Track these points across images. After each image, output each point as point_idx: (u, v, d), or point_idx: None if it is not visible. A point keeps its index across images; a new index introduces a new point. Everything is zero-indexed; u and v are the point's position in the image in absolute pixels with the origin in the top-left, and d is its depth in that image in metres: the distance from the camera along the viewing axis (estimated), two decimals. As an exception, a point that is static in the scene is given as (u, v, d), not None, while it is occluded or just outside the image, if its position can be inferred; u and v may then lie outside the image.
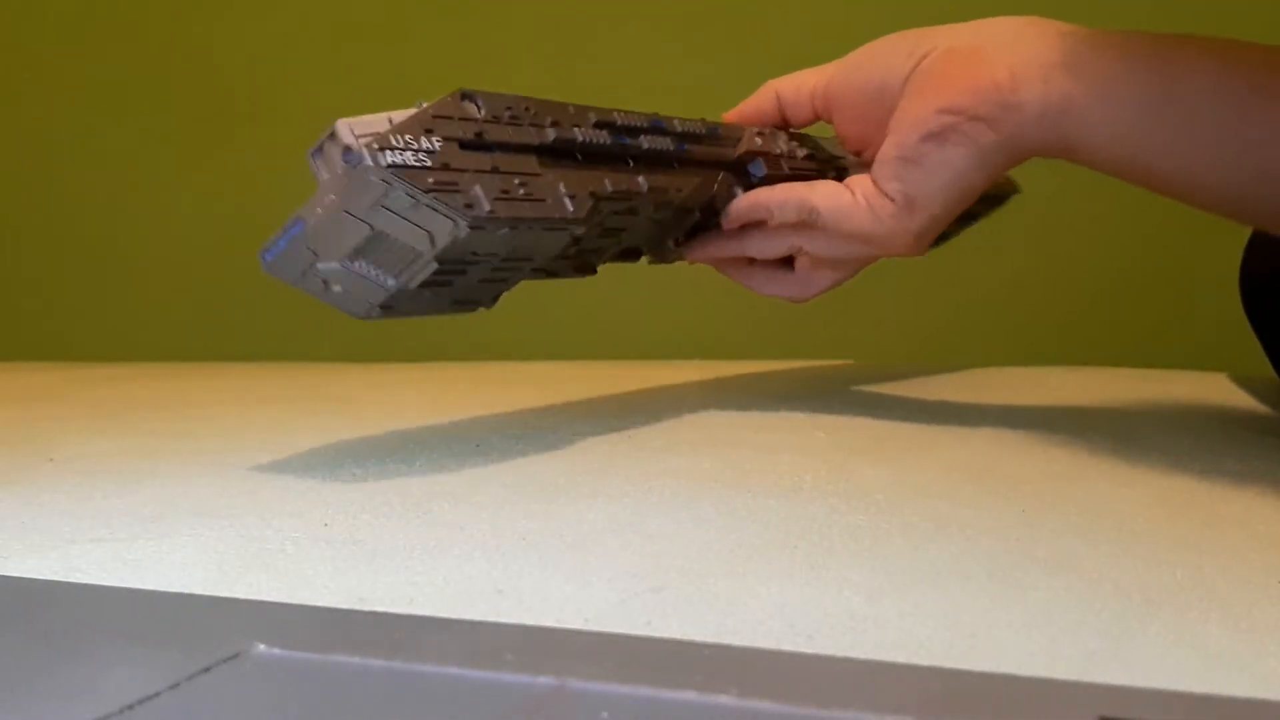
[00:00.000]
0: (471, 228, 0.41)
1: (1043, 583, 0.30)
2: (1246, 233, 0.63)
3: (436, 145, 0.41)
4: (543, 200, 0.44)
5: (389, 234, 0.40)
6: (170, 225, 1.29)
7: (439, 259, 0.41)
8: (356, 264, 0.41)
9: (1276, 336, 0.61)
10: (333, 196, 0.40)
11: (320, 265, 0.41)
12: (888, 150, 0.51)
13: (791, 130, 0.59)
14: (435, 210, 0.40)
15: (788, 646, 0.26)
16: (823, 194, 0.52)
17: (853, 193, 0.51)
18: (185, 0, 1.29)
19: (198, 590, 0.31)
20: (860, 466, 0.44)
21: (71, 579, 0.32)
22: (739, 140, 0.55)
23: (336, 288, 0.42)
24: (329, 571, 0.32)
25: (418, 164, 0.40)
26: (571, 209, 0.45)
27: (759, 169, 0.55)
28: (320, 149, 0.40)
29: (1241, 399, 0.62)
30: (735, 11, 1.12)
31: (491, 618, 0.28)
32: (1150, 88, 0.47)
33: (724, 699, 0.21)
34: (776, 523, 0.36)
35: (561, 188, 0.45)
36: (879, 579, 0.31)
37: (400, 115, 0.42)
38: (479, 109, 0.44)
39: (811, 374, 0.73)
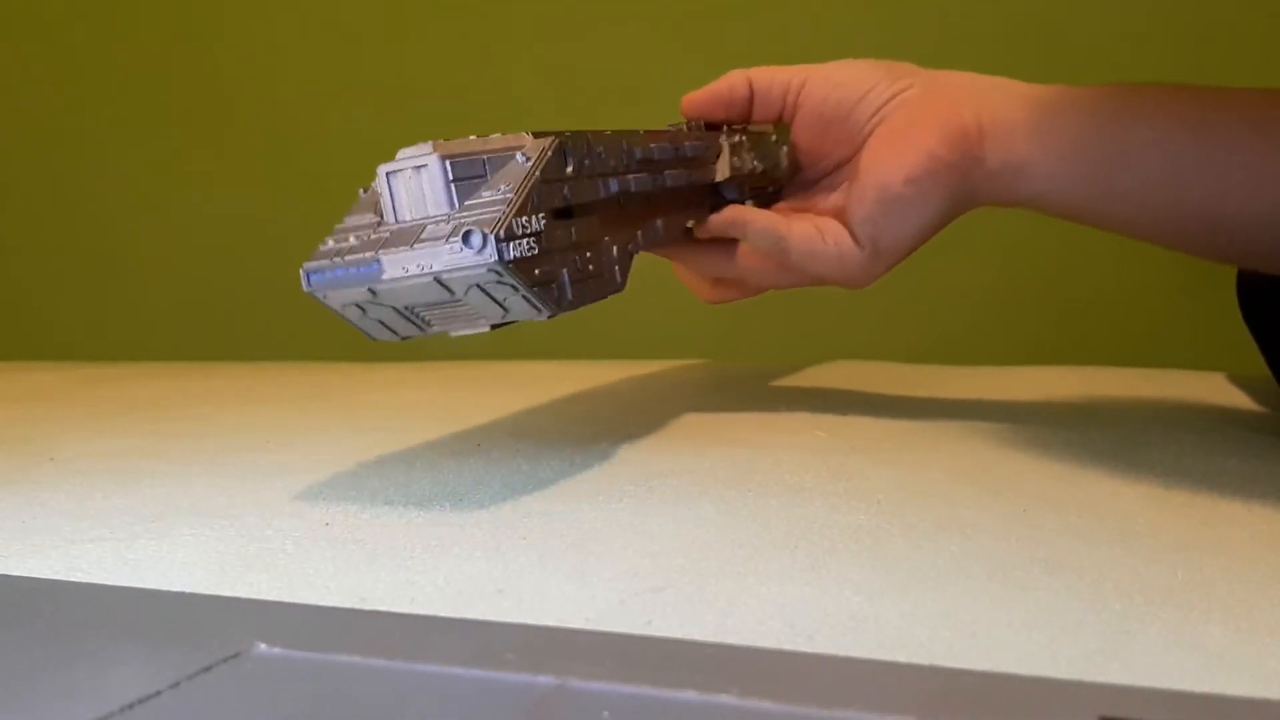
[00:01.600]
0: (549, 317, 0.39)
1: (1043, 582, 0.30)
2: None
3: (540, 225, 0.39)
4: (601, 275, 0.43)
5: (467, 303, 0.38)
6: (170, 225, 1.29)
7: (493, 326, 0.40)
8: (411, 311, 0.39)
9: (1273, 339, 0.61)
10: (426, 262, 0.37)
11: (374, 305, 0.39)
12: (866, 191, 0.50)
13: (748, 126, 0.57)
14: (529, 301, 0.38)
15: (788, 646, 0.26)
16: (798, 235, 0.52)
17: (824, 238, 0.51)
18: (185, 1, 1.29)
19: (198, 589, 0.31)
20: (861, 466, 0.44)
21: (72, 578, 0.32)
22: (717, 157, 0.54)
23: (372, 318, 0.40)
24: (330, 571, 0.32)
25: (529, 255, 0.38)
26: (619, 281, 0.44)
27: (731, 192, 0.55)
28: (399, 171, 0.38)
29: (1240, 399, 0.62)
30: (733, 12, 1.12)
31: (492, 617, 0.28)
32: (1102, 152, 0.48)
33: (724, 698, 0.21)
34: (777, 523, 0.36)
35: (614, 253, 0.44)
36: (880, 579, 0.31)
37: (492, 142, 0.39)
38: (568, 162, 0.42)
39: (811, 374, 0.73)
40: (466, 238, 0.36)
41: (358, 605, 0.29)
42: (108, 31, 1.30)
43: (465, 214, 0.37)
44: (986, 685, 0.23)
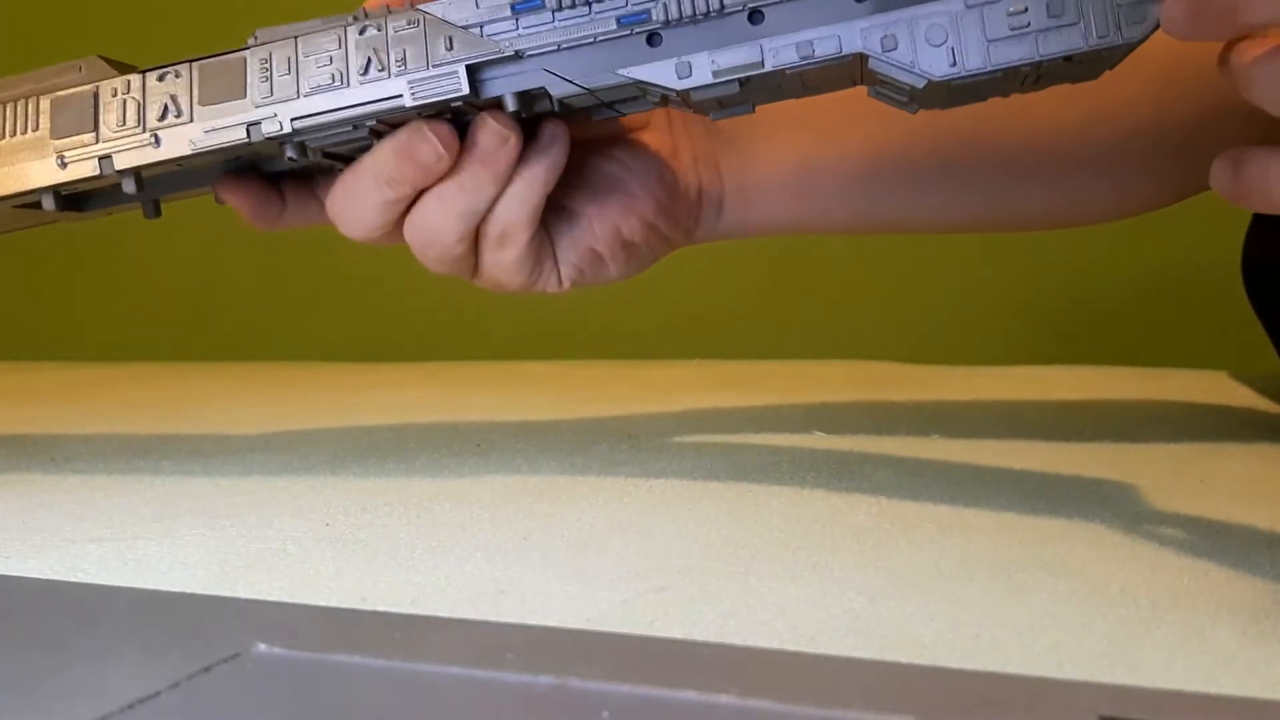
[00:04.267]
0: None
1: (1047, 585, 0.30)
2: (1244, 225, 0.63)
3: None
4: None
5: None
6: (170, 224, 1.29)
7: None
8: None
9: (1278, 318, 0.61)
10: None
11: None
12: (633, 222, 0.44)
13: None
14: None
15: (790, 647, 0.26)
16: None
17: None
18: (185, -1, 1.29)
19: (199, 590, 0.31)
20: (861, 466, 0.44)
21: (72, 578, 0.32)
22: None
23: None
24: (330, 571, 0.32)
25: None
26: None
27: None
28: None
29: (1241, 397, 0.62)
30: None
31: (493, 617, 0.28)
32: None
33: (725, 698, 0.21)
34: (778, 523, 0.36)
35: None
36: (881, 580, 0.31)
37: None
38: None
39: (811, 374, 0.73)
40: None
41: (358, 605, 0.29)
42: (106, 28, 1.30)
43: None
44: (987, 685, 0.23)
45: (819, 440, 0.49)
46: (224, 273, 1.27)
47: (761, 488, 0.41)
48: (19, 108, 0.41)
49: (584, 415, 0.57)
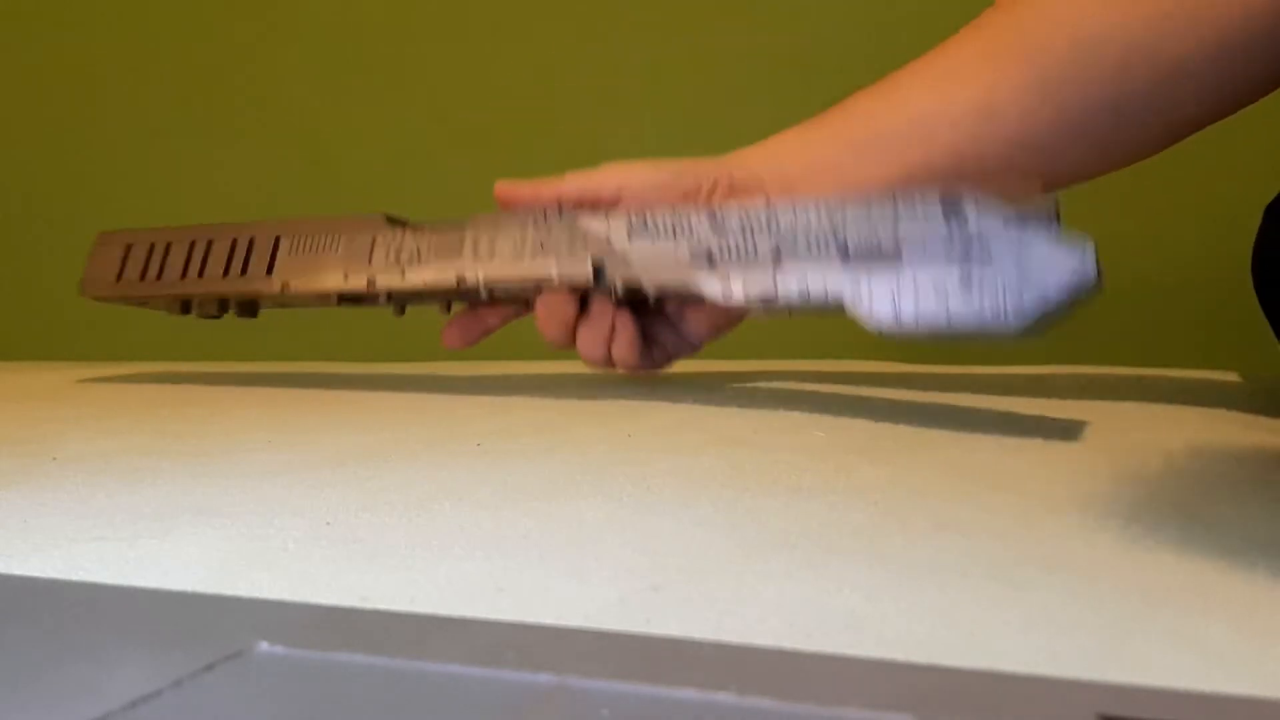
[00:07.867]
0: None
1: (1042, 582, 0.31)
2: (1246, 225, 0.63)
3: None
4: None
5: None
6: (169, 224, 1.29)
7: None
8: None
9: None
10: None
11: None
12: None
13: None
14: None
15: (787, 645, 0.26)
16: None
17: None
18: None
19: (200, 588, 0.31)
20: (859, 466, 0.44)
21: (74, 577, 0.32)
22: None
23: None
24: (331, 570, 0.32)
25: None
26: None
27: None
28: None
29: (1239, 399, 0.62)
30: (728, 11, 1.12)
31: (492, 616, 0.28)
32: None
33: (724, 696, 0.21)
34: (776, 522, 0.36)
35: None
36: (878, 578, 0.31)
37: None
38: None
39: (811, 374, 0.73)
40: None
41: (359, 604, 0.29)
42: (107, 32, 1.31)
43: None
44: (985, 684, 0.23)
45: (817, 440, 0.50)
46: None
47: (759, 487, 0.41)
48: (324, 239, 0.63)
49: (583, 415, 0.57)
